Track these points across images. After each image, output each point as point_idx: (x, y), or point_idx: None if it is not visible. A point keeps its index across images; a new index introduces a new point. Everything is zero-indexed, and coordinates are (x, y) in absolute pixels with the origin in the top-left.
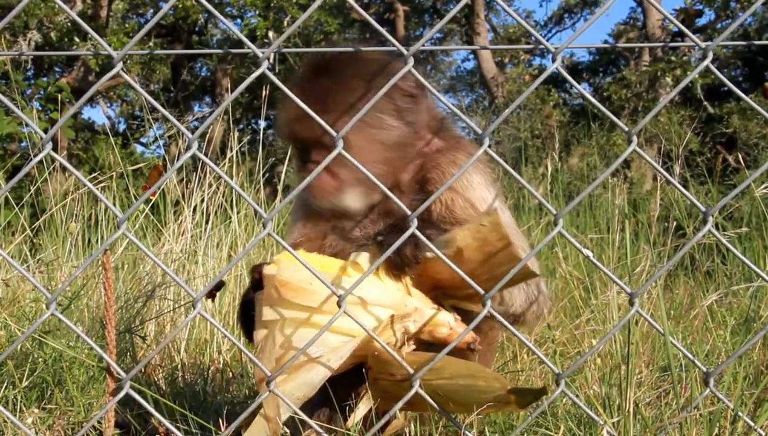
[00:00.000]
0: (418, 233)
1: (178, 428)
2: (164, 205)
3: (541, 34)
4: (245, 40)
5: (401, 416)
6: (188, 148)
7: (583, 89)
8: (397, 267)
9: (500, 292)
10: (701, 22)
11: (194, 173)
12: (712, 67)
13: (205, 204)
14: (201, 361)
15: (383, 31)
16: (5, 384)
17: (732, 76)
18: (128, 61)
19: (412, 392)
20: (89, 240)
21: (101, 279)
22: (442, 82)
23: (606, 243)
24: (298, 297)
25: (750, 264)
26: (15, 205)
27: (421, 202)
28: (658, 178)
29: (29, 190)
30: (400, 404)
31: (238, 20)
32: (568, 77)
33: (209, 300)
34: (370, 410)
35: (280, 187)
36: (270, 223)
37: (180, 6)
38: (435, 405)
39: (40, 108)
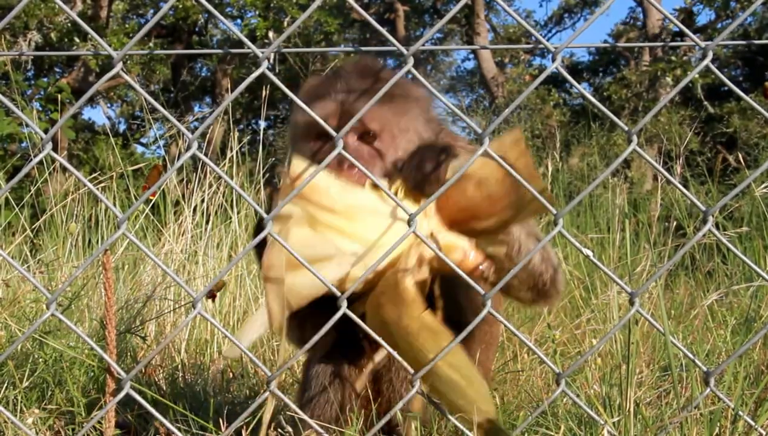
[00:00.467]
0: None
1: (179, 429)
2: (164, 206)
3: (541, 34)
4: (245, 40)
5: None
6: (188, 148)
7: (583, 89)
8: (418, 186)
9: (513, 236)
10: (701, 21)
11: (194, 173)
12: (712, 67)
13: (205, 204)
14: (201, 361)
15: (383, 31)
16: (6, 384)
17: (732, 76)
18: (128, 62)
19: (412, 392)
20: (89, 240)
21: (101, 279)
22: (442, 82)
23: (606, 243)
24: (314, 195)
25: (750, 264)
26: (15, 206)
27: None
28: (659, 178)
29: (29, 190)
30: (400, 404)
31: (238, 20)
32: (568, 77)
33: (209, 300)
34: (370, 412)
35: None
36: (270, 223)
37: (180, 6)
38: (430, 400)
39: (40, 108)
